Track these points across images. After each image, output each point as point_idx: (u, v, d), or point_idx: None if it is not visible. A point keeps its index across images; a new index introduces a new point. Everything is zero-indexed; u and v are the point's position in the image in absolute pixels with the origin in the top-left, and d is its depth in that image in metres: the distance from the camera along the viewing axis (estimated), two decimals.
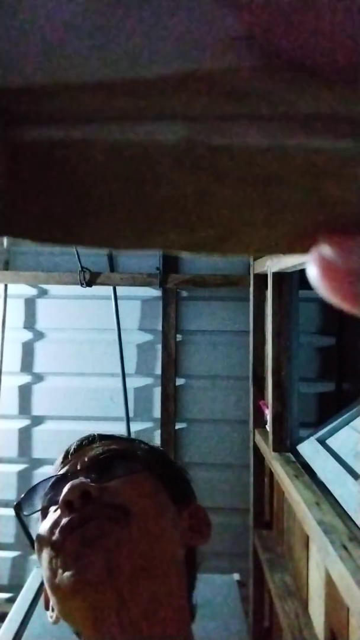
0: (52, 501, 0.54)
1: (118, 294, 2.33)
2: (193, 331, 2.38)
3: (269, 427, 1.74)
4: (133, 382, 2.37)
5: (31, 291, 2.41)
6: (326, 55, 0.10)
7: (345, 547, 1.01)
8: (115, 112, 0.11)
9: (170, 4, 0.10)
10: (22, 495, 0.57)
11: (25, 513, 0.56)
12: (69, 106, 0.11)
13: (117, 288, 2.33)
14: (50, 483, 0.56)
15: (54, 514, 0.52)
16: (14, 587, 2.20)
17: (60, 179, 0.12)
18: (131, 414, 2.32)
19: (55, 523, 0.50)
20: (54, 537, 0.49)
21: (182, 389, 2.38)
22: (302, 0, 0.09)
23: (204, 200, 0.12)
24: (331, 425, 1.54)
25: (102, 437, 0.61)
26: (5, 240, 2.33)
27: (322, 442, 1.52)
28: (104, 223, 0.13)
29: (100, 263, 2.31)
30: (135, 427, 2.34)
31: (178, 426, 2.36)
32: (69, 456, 0.59)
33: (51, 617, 0.52)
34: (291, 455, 1.61)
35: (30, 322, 2.41)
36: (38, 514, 0.56)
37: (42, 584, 0.63)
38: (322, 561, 1.17)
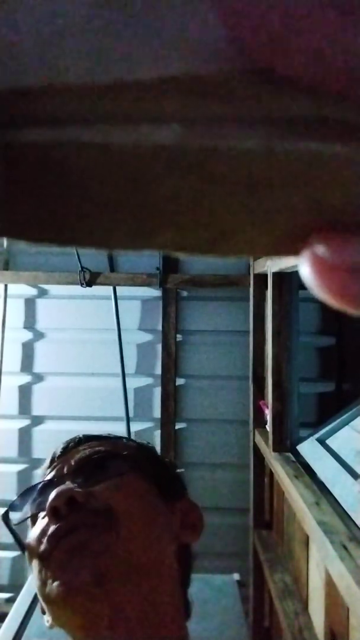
0: (40, 507, 0.54)
1: (118, 294, 2.33)
2: (193, 331, 2.38)
3: (269, 427, 1.74)
4: (133, 382, 2.37)
5: (31, 291, 2.41)
6: (317, 74, 0.10)
7: (345, 547, 1.01)
8: (110, 114, 0.11)
9: (164, 8, 0.10)
10: (10, 504, 0.57)
11: (14, 522, 0.55)
12: (64, 108, 0.11)
13: (117, 288, 2.33)
14: (38, 489, 0.55)
15: (41, 521, 0.52)
16: (14, 587, 2.20)
17: (54, 180, 0.12)
18: (131, 414, 2.32)
19: (43, 532, 0.50)
20: (42, 547, 0.49)
21: (182, 389, 2.38)
22: (291, 21, 0.09)
23: (196, 202, 0.12)
24: (331, 425, 1.54)
25: (88, 438, 0.60)
26: (5, 241, 2.33)
27: (322, 442, 1.52)
28: (98, 224, 0.13)
29: (100, 263, 2.31)
30: (135, 427, 2.34)
31: (178, 426, 2.36)
32: (56, 460, 0.58)
33: (47, 621, 0.52)
34: (291, 455, 1.61)
35: (30, 322, 2.41)
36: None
37: None
38: (322, 561, 1.17)
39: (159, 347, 2.36)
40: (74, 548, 0.47)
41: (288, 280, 1.69)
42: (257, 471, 2.04)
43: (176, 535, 0.55)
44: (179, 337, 2.37)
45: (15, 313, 2.39)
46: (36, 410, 2.39)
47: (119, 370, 2.30)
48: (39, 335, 2.41)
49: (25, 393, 2.40)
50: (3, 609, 1.94)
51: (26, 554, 0.52)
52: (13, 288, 2.38)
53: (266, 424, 1.81)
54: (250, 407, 2.10)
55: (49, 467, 0.59)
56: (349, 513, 1.15)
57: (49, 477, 0.56)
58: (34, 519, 0.55)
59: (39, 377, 2.41)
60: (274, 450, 1.67)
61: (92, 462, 0.55)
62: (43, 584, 0.48)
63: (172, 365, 2.33)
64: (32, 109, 0.12)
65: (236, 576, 1.49)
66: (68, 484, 0.51)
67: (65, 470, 0.55)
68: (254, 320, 2.07)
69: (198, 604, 1.28)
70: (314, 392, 2.27)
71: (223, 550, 2.27)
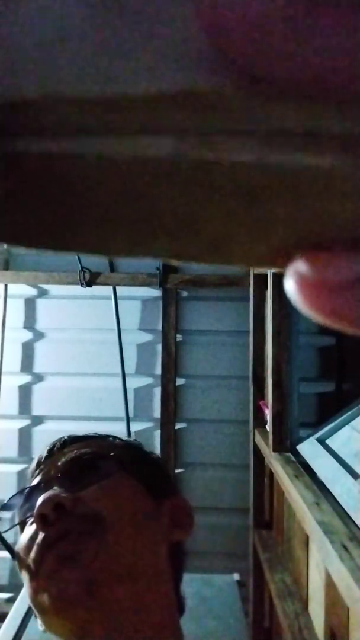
0: (28, 513, 0.53)
1: (118, 294, 2.33)
2: (193, 331, 2.38)
3: (269, 427, 1.74)
4: (133, 382, 2.37)
5: (31, 291, 2.41)
6: (313, 82, 0.10)
7: (345, 547, 1.01)
8: (108, 126, 0.12)
9: (159, 22, 0.11)
10: None
11: (3, 529, 0.55)
12: (63, 119, 0.12)
13: (117, 288, 2.33)
14: (25, 494, 0.55)
15: (29, 527, 0.51)
16: (14, 587, 2.20)
17: (53, 190, 0.13)
18: (131, 414, 2.32)
19: (32, 539, 0.49)
20: (31, 556, 0.48)
21: (182, 389, 2.38)
22: (289, 27, 0.09)
23: (192, 213, 0.13)
24: (331, 425, 1.54)
25: (74, 440, 0.60)
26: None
27: (322, 442, 1.52)
28: (96, 233, 0.13)
29: (100, 263, 2.31)
30: (135, 427, 2.34)
31: (178, 426, 2.36)
32: (42, 463, 0.58)
33: (41, 625, 0.52)
34: (291, 455, 1.61)
35: (30, 322, 2.41)
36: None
37: None
38: (322, 561, 1.17)
39: (159, 347, 2.36)
40: (63, 557, 0.46)
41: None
42: (257, 471, 2.04)
43: (166, 534, 0.54)
44: (179, 337, 2.37)
45: (15, 313, 2.39)
46: (36, 410, 2.39)
47: (119, 370, 2.30)
48: (39, 335, 2.41)
49: (25, 393, 2.40)
50: (3, 609, 1.94)
51: (17, 562, 0.52)
52: (13, 288, 2.38)
53: (266, 424, 1.81)
54: (250, 407, 2.10)
55: (35, 470, 0.58)
56: (349, 513, 1.15)
57: (35, 481, 0.56)
58: (22, 525, 0.54)
59: (39, 377, 2.41)
60: (274, 450, 1.67)
61: (79, 464, 0.54)
62: (34, 592, 0.47)
63: (172, 365, 2.33)
64: (31, 120, 0.12)
65: (236, 576, 1.49)
66: (55, 489, 0.51)
67: (51, 473, 0.54)
68: (254, 320, 2.07)
69: (198, 604, 1.28)
70: (314, 392, 2.27)
71: (223, 550, 2.27)
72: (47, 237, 0.14)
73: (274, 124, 0.11)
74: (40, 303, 2.42)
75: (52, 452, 0.58)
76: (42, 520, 0.48)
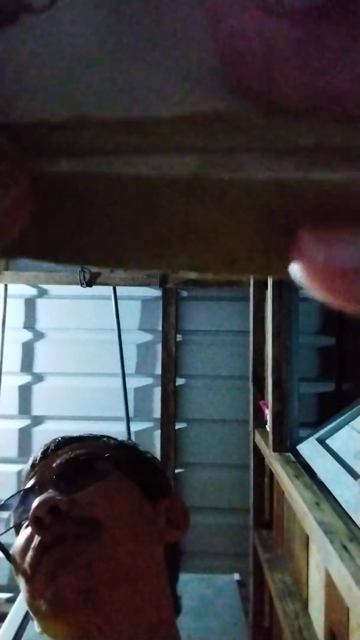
0: (23, 516, 0.53)
1: (118, 294, 2.33)
2: (193, 331, 2.38)
3: (269, 427, 1.74)
4: (133, 382, 2.37)
5: (31, 291, 2.41)
6: (315, 98, 0.10)
7: (345, 547, 1.01)
8: (133, 147, 0.12)
9: (178, 47, 0.11)
10: None
11: None
12: (89, 141, 0.12)
13: (117, 288, 2.33)
14: (20, 496, 0.55)
15: (25, 531, 0.51)
16: (14, 587, 2.20)
17: (79, 208, 0.13)
18: (131, 414, 2.32)
19: (27, 542, 0.49)
20: (27, 559, 0.48)
21: (182, 389, 2.38)
22: (296, 50, 0.10)
23: (209, 228, 0.13)
24: (331, 425, 1.54)
25: (68, 441, 0.59)
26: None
27: (322, 442, 1.52)
28: (119, 247, 0.14)
29: None
30: (135, 427, 2.34)
31: (178, 426, 2.36)
32: (36, 465, 0.57)
33: (38, 627, 0.52)
34: (291, 455, 1.61)
35: (30, 322, 2.41)
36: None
37: None
38: (322, 561, 1.17)
39: (159, 347, 2.36)
40: (59, 562, 0.46)
41: (288, 280, 1.69)
42: (257, 471, 2.04)
43: (162, 535, 0.54)
44: (179, 337, 2.37)
45: (15, 313, 2.39)
46: (36, 410, 2.39)
47: (119, 370, 2.30)
48: (39, 335, 2.41)
49: (25, 393, 2.40)
50: (3, 609, 1.94)
51: (12, 565, 0.51)
52: (13, 288, 2.38)
53: (266, 424, 1.81)
54: (250, 407, 2.10)
55: (29, 472, 0.58)
56: (349, 513, 1.15)
57: (30, 483, 0.55)
58: (17, 528, 0.54)
59: (39, 377, 2.41)
60: (274, 450, 1.67)
61: (74, 465, 0.54)
62: (31, 597, 0.47)
63: (172, 365, 2.34)
64: (59, 141, 0.12)
65: (236, 576, 1.50)
66: (50, 492, 0.50)
67: (46, 475, 0.54)
68: (254, 320, 2.07)
69: (198, 604, 1.28)
70: (314, 392, 2.27)
71: (223, 550, 2.27)
72: (72, 253, 0.14)
73: (289, 142, 0.12)
74: (40, 303, 2.42)
75: (46, 453, 0.58)
76: (38, 524, 0.48)
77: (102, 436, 0.62)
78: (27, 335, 2.41)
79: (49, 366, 2.39)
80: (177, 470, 2.33)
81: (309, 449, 1.54)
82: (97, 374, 2.37)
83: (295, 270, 0.13)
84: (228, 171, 0.12)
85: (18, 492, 0.55)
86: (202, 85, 0.11)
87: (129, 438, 2.10)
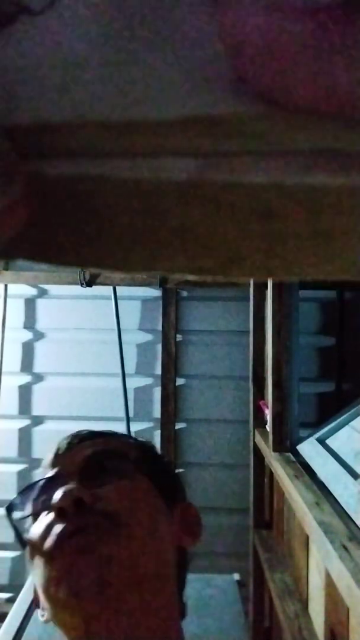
0: (44, 505, 0.53)
1: (118, 294, 2.34)
2: (193, 331, 2.38)
3: (269, 427, 1.74)
4: (133, 382, 2.37)
5: (31, 291, 2.41)
6: (324, 102, 0.10)
7: (345, 547, 1.01)
8: (130, 149, 0.12)
9: (180, 47, 0.11)
10: (14, 498, 0.56)
11: (17, 517, 0.55)
12: (86, 143, 0.12)
13: (117, 288, 2.33)
14: (40, 486, 0.55)
15: (45, 517, 0.51)
16: (14, 587, 2.21)
17: (77, 210, 0.13)
18: (131, 414, 2.32)
19: (48, 528, 0.50)
20: (47, 544, 0.48)
21: (182, 389, 2.38)
22: (302, 50, 0.10)
23: (209, 231, 0.13)
24: (331, 425, 1.54)
25: (92, 435, 0.60)
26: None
27: (322, 442, 1.52)
28: (117, 250, 0.14)
29: None
30: (135, 427, 2.34)
31: (178, 426, 2.36)
32: (59, 456, 0.58)
33: (42, 615, 0.52)
34: (291, 455, 1.61)
35: (30, 322, 2.41)
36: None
37: None
38: (322, 561, 1.17)
39: (159, 347, 2.36)
40: (80, 551, 0.47)
41: (288, 280, 1.70)
42: (257, 471, 2.04)
43: (176, 539, 0.55)
44: (179, 337, 2.37)
45: (15, 313, 2.39)
46: (36, 410, 2.39)
47: (119, 370, 2.30)
48: (39, 335, 2.41)
49: (25, 393, 2.40)
50: (3, 609, 1.94)
51: (27, 550, 0.52)
52: (13, 288, 2.38)
53: (266, 424, 1.81)
54: (250, 407, 2.10)
55: (51, 462, 0.58)
56: (349, 513, 1.15)
57: (51, 473, 0.56)
58: (35, 516, 0.54)
59: (39, 377, 2.41)
60: (274, 450, 1.67)
61: (98, 461, 0.55)
62: (47, 582, 0.47)
63: (172, 365, 2.34)
64: (56, 143, 0.12)
65: (236, 576, 1.49)
66: (74, 484, 0.51)
67: (69, 468, 0.55)
68: (254, 320, 2.07)
69: (198, 604, 1.28)
70: (314, 392, 2.27)
71: (223, 550, 2.27)
72: (69, 254, 0.14)
73: (290, 145, 0.12)
74: (40, 303, 2.42)
75: (70, 445, 0.59)
76: (61, 513, 0.49)
77: (125, 435, 0.63)
78: (27, 335, 2.41)
79: (49, 366, 2.40)
80: (177, 470, 2.33)
81: (309, 449, 1.54)
82: (97, 374, 2.37)
83: None
84: (225, 174, 0.12)
85: (38, 480, 0.55)
86: (201, 89, 0.11)
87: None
